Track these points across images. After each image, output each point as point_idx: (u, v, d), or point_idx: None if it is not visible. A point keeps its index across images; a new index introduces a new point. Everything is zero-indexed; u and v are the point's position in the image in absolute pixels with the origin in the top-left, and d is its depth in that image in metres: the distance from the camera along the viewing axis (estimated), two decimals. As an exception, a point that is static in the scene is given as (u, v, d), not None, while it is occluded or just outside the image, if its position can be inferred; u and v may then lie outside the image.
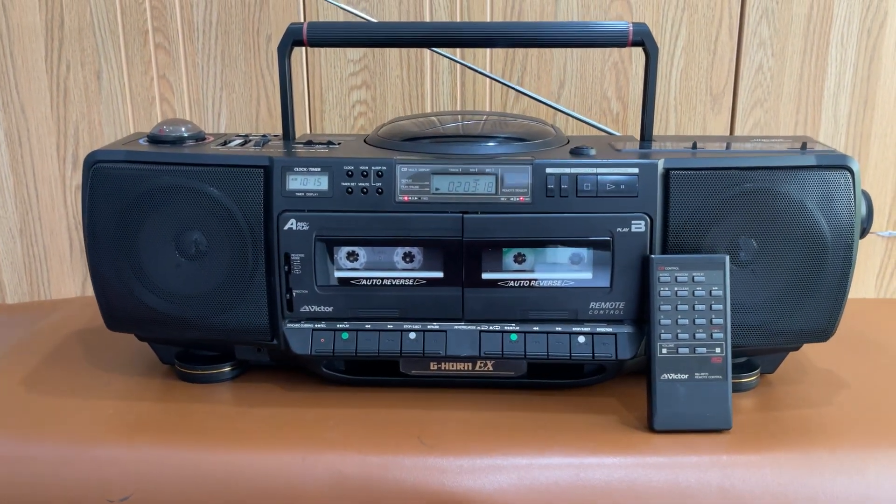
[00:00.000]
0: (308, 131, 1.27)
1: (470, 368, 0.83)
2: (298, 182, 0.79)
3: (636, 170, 0.78)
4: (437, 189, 0.79)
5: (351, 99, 1.26)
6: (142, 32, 1.25)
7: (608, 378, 0.84)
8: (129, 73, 1.27)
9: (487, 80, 1.22)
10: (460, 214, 0.79)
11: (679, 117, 1.26)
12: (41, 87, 1.27)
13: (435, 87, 1.24)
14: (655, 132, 1.25)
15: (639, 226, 0.79)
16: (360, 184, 0.79)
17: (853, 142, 1.26)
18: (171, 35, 1.25)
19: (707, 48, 1.23)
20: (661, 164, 0.79)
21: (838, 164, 0.79)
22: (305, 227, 0.80)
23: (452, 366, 0.83)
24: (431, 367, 0.83)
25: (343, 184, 0.79)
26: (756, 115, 1.25)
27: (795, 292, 0.80)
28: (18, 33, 1.25)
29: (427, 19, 1.19)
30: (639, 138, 0.89)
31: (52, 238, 1.34)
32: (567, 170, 0.79)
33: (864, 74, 1.24)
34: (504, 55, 1.23)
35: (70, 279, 1.35)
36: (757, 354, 0.86)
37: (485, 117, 0.96)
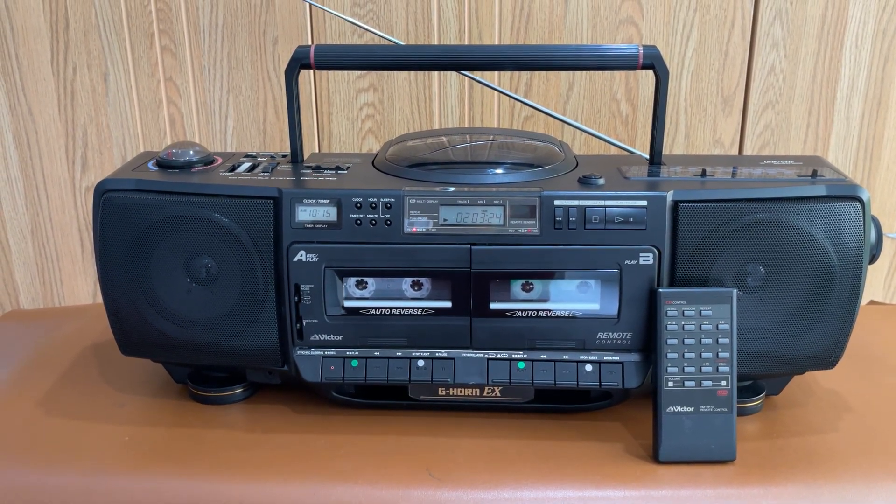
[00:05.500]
0: (316, 134, 1.27)
1: (478, 394, 0.84)
2: (308, 213, 0.80)
3: (644, 202, 0.78)
4: (445, 220, 0.79)
5: (358, 101, 1.25)
6: (147, 35, 1.24)
7: (614, 403, 0.85)
8: (135, 75, 1.26)
9: (496, 83, 1.21)
10: (468, 246, 0.80)
11: (689, 119, 1.25)
12: (48, 90, 1.27)
13: (442, 89, 1.23)
14: (665, 134, 1.24)
15: (647, 258, 0.79)
16: (368, 215, 0.79)
17: (865, 144, 1.25)
18: (178, 37, 1.24)
19: (719, 49, 1.22)
20: (669, 196, 0.78)
21: (849, 195, 0.79)
22: (315, 259, 0.80)
23: (461, 391, 0.84)
24: (440, 393, 0.84)
25: (352, 215, 0.79)
26: (767, 117, 1.24)
27: (802, 320, 0.80)
28: (23, 35, 1.25)
29: (435, 31, 1.18)
30: (647, 155, 0.89)
31: (63, 238, 1.35)
32: (575, 202, 0.78)
33: (879, 76, 1.22)
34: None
35: (82, 279, 1.37)
36: (762, 378, 0.87)
37: (492, 138, 0.96)
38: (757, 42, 1.21)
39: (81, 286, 1.37)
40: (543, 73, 1.22)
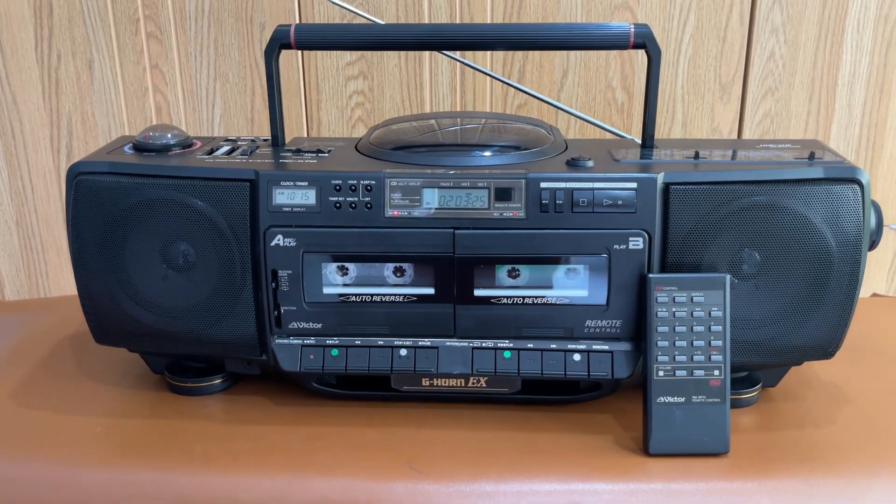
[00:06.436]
0: (305, 123, 1.25)
1: (463, 385, 0.81)
2: (285, 196, 0.77)
3: (634, 184, 0.75)
4: (427, 203, 0.77)
5: (348, 89, 1.22)
6: (133, 21, 1.22)
7: (604, 394, 0.82)
8: (121, 63, 1.24)
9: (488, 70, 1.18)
10: (451, 230, 0.77)
11: (686, 107, 1.22)
12: (32, 78, 1.25)
13: (434, 77, 1.20)
14: (661, 124, 1.22)
15: (636, 243, 0.76)
16: (348, 198, 0.77)
17: (867, 132, 1.22)
18: (163, 24, 1.22)
19: (717, 35, 1.19)
20: (660, 179, 0.75)
21: (847, 178, 0.76)
22: (293, 243, 0.78)
23: (445, 382, 0.81)
24: (423, 383, 0.81)
25: (331, 198, 0.77)
26: (767, 104, 1.21)
27: (799, 308, 0.77)
28: (6, 22, 1.23)
29: (426, 16, 1.16)
30: (640, 142, 0.86)
31: (49, 230, 1.33)
32: (562, 184, 0.76)
33: (881, 62, 1.19)
34: (505, 44, 1.19)
35: (68, 271, 1.34)
36: (758, 369, 0.84)
37: (483, 121, 0.93)
38: (756, 27, 1.18)
39: (67, 278, 1.34)
40: (537, 60, 1.19)
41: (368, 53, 1.19)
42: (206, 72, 1.23)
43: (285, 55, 1.12)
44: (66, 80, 1.25)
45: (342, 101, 1.23)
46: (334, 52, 1.19)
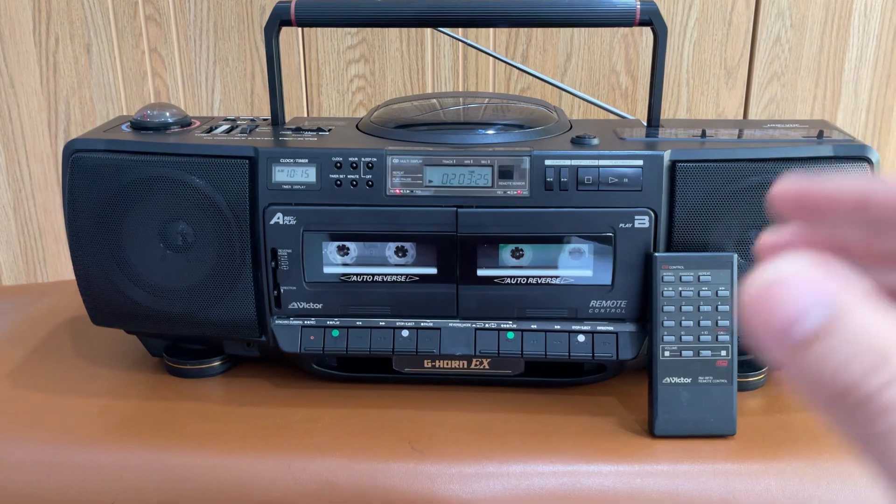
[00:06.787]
0: (305, 107, 1.23)
1: (465, 367, 0.80)
2: (285, 174, 0.76)
3: (640, 161, 0.74)
4: (430, 181, 0.75)
5: (349, 73, 1.21)
6: (131, 4, 1.20)
7: (609, 377, 0.81)
8: (119, 46, 1.22)
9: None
10: (454, 208, 0.75)
11: (691, 92, 1.20)
12: (30, 61, 1.24)
13: (436, 60, 1.19)
14: (666, 109, 1.20)
15: (642, 221, 0.75)
16: (349, 176, 0.75)
17: (874, 117, 1.21)
18: (162, 7, 1.20)
19: (722, 18, 1.17)
20: (666, 156, 0.74)
21: (857, 156, 0.75)
22: (293, 222, 0.76)
23: (447, 364, 0.80)
24: (425, 365, 0.80)
25: (331, 176, 0.75)
26: (772, 89, 1.20)
27: (807, 289, 0.76)
28: (4, 4, 1.21)
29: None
30: (646, 122, 0.85)
31: (47, 216, 1.32)
32: (567, 161, 0.74)
33: (889, 46, 1.18)
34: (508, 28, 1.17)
35: (66, 257, 1.33)
36: (765, 352, 0.82)
37: (486, 100, 0.92)
38: (762, 10, 1.16)
39: (65, 265, 1.33)
40: (540, 44, 1.18)
41: (370, 36, 1.18)
42: (205, 56, 1.22)
43: (286, 39, 1.11)
44: (64, 64, 1.23)
45: (343, 85, 1.21)
46: (335, 35, 1.18)
